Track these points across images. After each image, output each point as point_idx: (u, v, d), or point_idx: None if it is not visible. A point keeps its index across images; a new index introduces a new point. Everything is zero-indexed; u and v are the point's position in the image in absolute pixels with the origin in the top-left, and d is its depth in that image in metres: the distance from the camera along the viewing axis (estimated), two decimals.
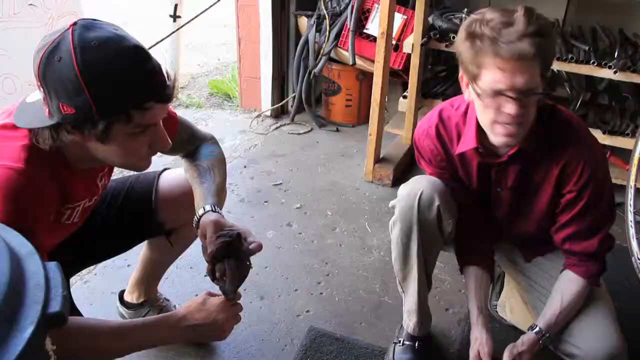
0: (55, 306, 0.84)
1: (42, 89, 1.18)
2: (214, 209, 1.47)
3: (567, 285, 1.65)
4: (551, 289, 1.70)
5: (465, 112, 1.64)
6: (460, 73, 1.53)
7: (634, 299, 1.89)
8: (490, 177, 1.69)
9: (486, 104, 1.45)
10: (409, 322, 1.90)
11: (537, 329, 1.63)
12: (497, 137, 1.51)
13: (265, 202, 2.86)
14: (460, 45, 1.46)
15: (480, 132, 1.59)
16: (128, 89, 1.18)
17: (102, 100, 1.16)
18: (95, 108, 1.16)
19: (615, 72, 2.58)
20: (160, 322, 1.43)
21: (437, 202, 1.66)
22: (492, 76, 1.40)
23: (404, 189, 1.72)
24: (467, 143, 1.63)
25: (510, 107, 1.42)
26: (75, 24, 1.17)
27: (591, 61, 2.63)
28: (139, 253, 1.96)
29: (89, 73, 1.14)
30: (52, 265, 0.91)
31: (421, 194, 1.66)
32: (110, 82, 1.16)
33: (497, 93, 1.41)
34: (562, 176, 1.59)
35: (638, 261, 2.15)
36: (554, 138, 1.55)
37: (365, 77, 3.49)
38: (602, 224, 1.64)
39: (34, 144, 1.24)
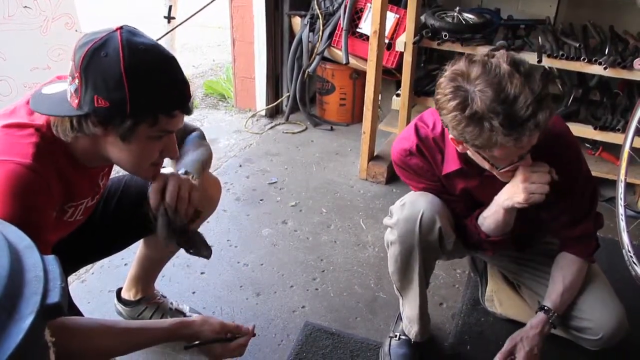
0: (54, 297, 0.85)
1: (78, 81, 1.22)
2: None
3: (567, 265, 1.71)
4: (549, 269, 1.75)
5: (443, 132, 1.61)
6: (451, 137, 1.48)
7: (626, 291, 1.92)
8: (477, 195, 1.70)
9: (498, 166, 1.45)
10: (411, 329, 1.91)
11: (546, 308, 1.68)
12: (508, 178, 1.52)
13: (261, 200, 2.88)
14: (457, 124, 1.35)
15: (462, 153, 1.57)
16: (163, 94, 1.26)
17: (137, 100, 1.22)
18: (129, 105, 1.22)
19: (605, 69, 2.61)
20: (159, 326, 1.46)
21: (438, 224, 1.64)
22: (509, 153, 1.38)
23: (402, 211, 1.68)
24: (451, 164, 1.62)
25: (526, 162, 1.45)
26: (121, 27, 1.24)
27: (582, 58, 2.65)
28: (135, 252, 1.98)
29: (133, 72, 1.20)
30: (51, 259, 0.93)
31: (422, 216, 1.64)
32: (149, 84, 1.24)
33: (514, 160, 1.43)
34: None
35: (629, 253, 2.18)
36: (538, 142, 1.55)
37: (359, 76, 3.52)
38: (592, 207, 1.71)
39: (41, 142, 1.27)
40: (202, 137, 1.75)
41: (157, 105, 1.26)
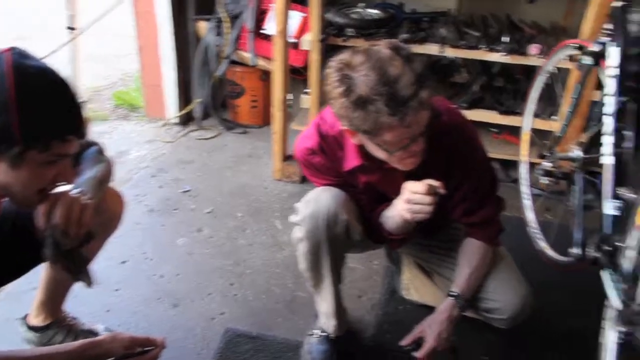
0: None
1: None
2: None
3: (472, 251, 1.76)
4: (457, 255, 1.79)
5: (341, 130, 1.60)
6: (343, 127, 1.48)
7: (533, 267, 1.98)
8: (381, 187, 1.71)
9: (391, 151, 1.45)
10: (329, 324, 1.91)
11: (453, 293, 1.72)
12: (407, 166, 1.52)
13: (175, 209, 2.82)
14: (345, 110, 1.38)
15: (361, 148, 1.57)
16: (55, 119, 1.22)
17: (28, 124, 1.17)
18: (19, 130, 1.16)
19: (504, 55, 2.72)
20: (65, 349, 1.39)
21: (344, 216, 1.65)
22: (398, 134, 1.38)
23: (307, 207, 1.67)
24: (352, 161, 1.63)
25: (418, 145, 1.45)
26: (11, 49, 1.19)
27: (482, 46, 2.75)
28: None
29: (23, 95, 1.15)
30: None
31: (327, 211, 1.64)
32: (41, 109, 1.19)
33: (405, 142, 1.42)
34: (448, 163, 1.63)
35: (534, 230, 2.27)
36: (433, 134, 1.54)
37: (269, 77, 3.50)
38: (492, 190, 1.75)
39: None
40: (100, 152, 1.67)
41: (48, 131, 1.21)
